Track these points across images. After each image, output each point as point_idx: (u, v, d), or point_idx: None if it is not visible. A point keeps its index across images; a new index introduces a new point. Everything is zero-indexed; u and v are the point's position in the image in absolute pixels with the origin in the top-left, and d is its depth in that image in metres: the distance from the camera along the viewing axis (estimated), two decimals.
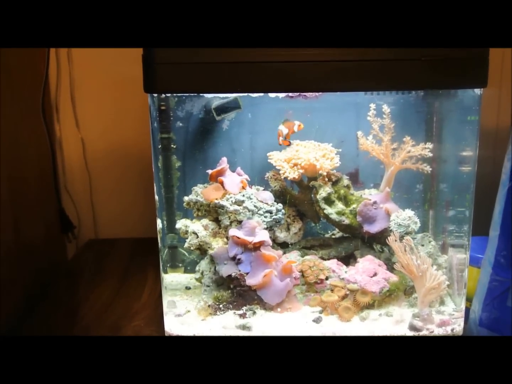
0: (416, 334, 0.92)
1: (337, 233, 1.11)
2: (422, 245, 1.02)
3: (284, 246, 1.08)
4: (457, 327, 0.93)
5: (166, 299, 0.98)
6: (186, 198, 1.04)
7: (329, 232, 1.14)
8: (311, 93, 0.93)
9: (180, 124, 1.05)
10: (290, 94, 0.93)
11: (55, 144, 1.49)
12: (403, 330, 0.92)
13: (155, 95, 0.90)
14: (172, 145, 1.04)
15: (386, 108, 1.00)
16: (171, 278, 1.11)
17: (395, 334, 0.91)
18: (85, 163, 1.52)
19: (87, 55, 1.44)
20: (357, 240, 1.06)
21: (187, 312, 0.99)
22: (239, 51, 0.80)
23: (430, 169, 1.02)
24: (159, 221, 0.97)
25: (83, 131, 1.51)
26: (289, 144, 1.03)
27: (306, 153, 1.02)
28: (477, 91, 0.86)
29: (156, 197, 0.96)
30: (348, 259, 1.06)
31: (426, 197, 1.09)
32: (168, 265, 1.12)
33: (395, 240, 0.93)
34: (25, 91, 1.30)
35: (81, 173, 1.53)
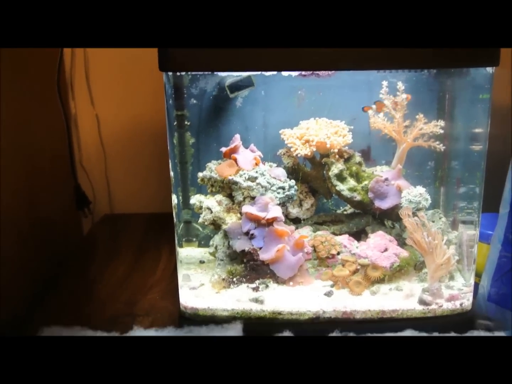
0: (425, 307, 0.94)
1: (349, 209, 1.13)
2: (433, 222, 1.03)
3: (296, 221, 1.10)
4: (465, 301, 0.95)
5: (181, 272, 1.01)
6: (200, 174, 1.06)
7: (341, 208, 1.15)
8: (323, 72, 0.94)
9: (194, 102, 1.07)
10: (303, 72, 0.93)
11: (70, 121, 1.51)
12: (412, 304, 0.94)
13: (170, 73, 0.91)
14: (186, 122, 1.05)
15: (400, 85, 1.01)
16: (186, 253, 1.13)
17: (405, 308, 0.93)
18: (100, 140, 1.55)
19: None
20: (368, 216, 1.08)
21: (201, 285, 1.02)
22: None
23: (444, 147, 1.02)
24: (174, 197, 0.99)
25: (98, 108, 1.53)
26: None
27: (318, 130, 1.03)
28: (489, 69, 0.87)
29: (172, 173, 0.98)
30: (359, 235, 1.08)
31: (437, 174, 1.10)
32: (183, 239, 1.14)
33: (408, 215, 0.95)
34: (40, 69, 1.31)
35: (96, 149, 1.55)
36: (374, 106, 1.04)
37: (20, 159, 1.15)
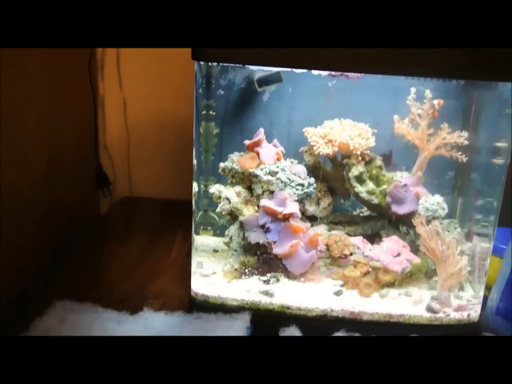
0: (432, 315, 0.94)
1: (365, 212, 1.13)
2: (448, 231, 1.04)
3: (312, 219, 1.11)
4: (473, 313, 0.96)
5: (195, 259, 1.02)
6: (222, 165, 1.07)
7: (358, 210, 1.16)
8: (353, 74, 0.95)
9: (222, 93, 1.08)
10: (333, 72, 0.94)
11: (98, 102, 1.53)
12: (420, 311, 0.95)
13: (202, 62, 0.92)
14: (212, 112, 1.07)
15: (428, 93, 1.01)
16: (201, 240, 1.14)
17: (412, 314, 0.94)
18: (125, 123, 1.57)
19: None
20: (384, 220, 1.08)
21: (213, 273, 1.03)
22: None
23: (466, 158, 1.03)
24: (195, 184, 1.01)
25: (126, 91, 1.55)
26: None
27: (341, 131, 1.04)
28: None
29: (195, 161, 0.99)
30: (373, 238, 1.08)
31: (456, 185, 1.10)
32: (201, 227, 1.16)
33: (421, 223, 0.95)
34: (71, 49, 1.33)
35: (120, 131, 1.58)
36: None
37: (46, 135, 1.17)
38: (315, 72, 0.93)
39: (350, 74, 0.95)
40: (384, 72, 0.87)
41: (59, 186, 1.24)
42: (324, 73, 0.94)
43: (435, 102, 1.02)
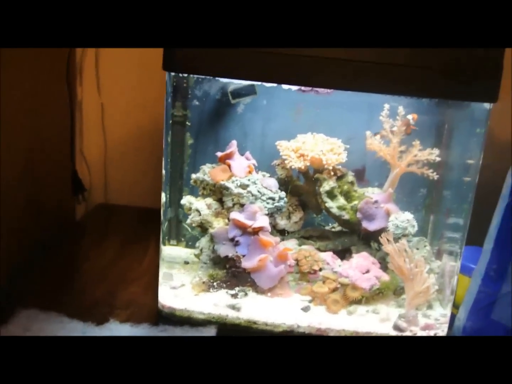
0: (399, 334, 0.94)
1: (337, 227, 1.13)
2: (417, 249, 1.04)
3: (283, 233, 1.11)
4: (440, 332, 0.96)
5: (162, 270, 1.01)
6: (193, 176, 1.07)
7: (330, 224, 1.16)
8: (323, 89, 0.95)
9: (196, 103, 1.08)
10: (303, 88, 0.94)
11: (75, 107, 1.52)
12: (387, 329, 0.95)
13: (172, 73, 0.92)
14: (183, 121, 1.06)
15: (401, 110, 1.01)
16: (172, 251, 1.14)
17: (379, 332, 0.94)
18: (102, 129, 1.55)
19: None
20: (355, 236, 1.08)
21: (182, 285, 1.03)
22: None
23: (437, 175, 1.03)
24: (163, 195, 1.00)
25: (104, 96, 1.53)
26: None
27: (314, 145, 1.04)
28: (487, 105, 0.87)
29: (163, 171, 0.99)
30: (344, 254, 1.08)
31: (426, 202, 1.10)
32: (171, 238, 1.15)
33: (388, 241, 0.95)
34: (50, 52, 1.32)
35: (97, 138, 1.56)
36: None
37: (23, 139, 1.16)
38: (285, 86, 0.93)
39: (320, 90, 0.95)
40: (356, 89, 0.86)
41: (34, 190, 1.23)
42: (295, 87, 0.94)
43: (410, 117, 1.02)
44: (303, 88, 0.94)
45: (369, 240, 1.08)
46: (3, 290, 1.06)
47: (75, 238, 1.40)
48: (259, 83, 0.96)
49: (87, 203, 1.59)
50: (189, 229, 1.14)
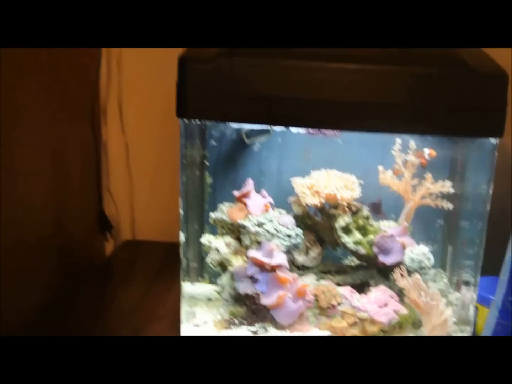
0: None
1: (355, 261, 1.15)
2: (434, 281, 1.05)
3: (302, 268, 1.13)
4: None
5: (184, 308, 1.04)
6: (212, 215, 1.10)
7: (349, 258, 1.18)
8: (329, 131, 0.98)
9: (213, 143, 1.11)
10: (311, 130, 0.97)
11: (101, 147, 1.57)
12: None
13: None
14: (201, 162, 1.09)
15: (412, 144, 1.03)
16: (196, 288, 1.16)
17: None
18: (127, 167, 1.60)
19: (137, 62, 1.52)
20: (373, 270, 1.10)
21: (204, 323, 1.05)
22: (263, 85, 0.86)
23: (452, 206, 1.04)
24: (181, 234, 1.03)
25: (128, 136, 1.58)
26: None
27: (328, 181, 1.06)
28: (493, 139, 0.89)
29: (181, 211, 1.02)
30: (362, 287, 1.09)
31: (443, 233, 1.11)
32: (196, 275, 1.18)
33: (402, 276, 0.97)
34: (75, 95, 1.38)
35: (123, 176, 1.61)
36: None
37: (50, 179, 1.21)
38: (294, 129, 0.96)
39: (328, 132, 0.97)
40: (363, 130, 0.89)
41: (63, 229, 1.28)
42: (303, 131, 0.97)
43: (426, 151, 1.04)
44: (310, 130, 0.97)
45: (387, 273, 1.09)
46: (37, 323, 1.11)
47: (103, 274, 1.44)
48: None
49: (115, 240, 1.64)
50: (213, 267, 1.17)
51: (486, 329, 0.96)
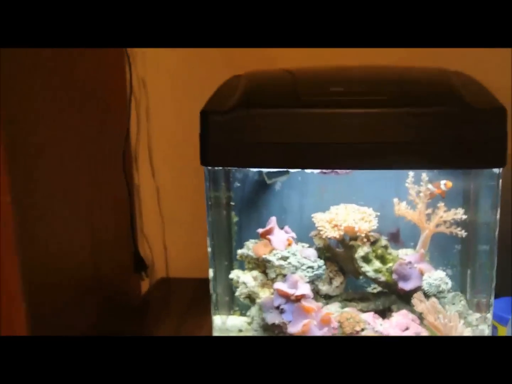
0: None
1: (377, 288, 1.20)
2: (453, 304, 1.10)
3: (327, 298, 1.19)
4: None
5: None
6: (239, 252, 1.18)
7: (372, 286, 1.24)
8: (341, 170, 1.06)
9: (237, 185, 1.20)
10: (324, 170, 1.05)
11: (133, 191, 1.67)
12: None
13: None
14: (227, 202, 1.17)
15: (424, 176, 1.10)
16: (228, 320, 1.23)
17: None
18: (159, 209, 1.70)
19: (163, 112, 1.63)
20: (393, 296, 1.15)
21: None
22: (278, 132, 0.94)
23: (466, 233, 1.10)
24: (210, 270, 1.11)
25: (158, 180, 1.69)
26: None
27: (346, 215, 1.13)
28: (496, 169, 0.95)
29: (209, 249, 1.10)
30: (385, 313, 1.15)
31: (460, 258, 1.17)
32: (227, 308, 1.25)
33: (420, 301, 1.02)
34: (108, 143, 1.48)
35: (155, 218, 1.71)
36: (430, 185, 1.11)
37: (86, 223, 1.30)
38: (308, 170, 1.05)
39: (340, 171, 1.05)
40: (372, 168, 0.97)
41: (100, 268, 1.37)
42: (316, 171, 1.06)
43: (443, 182, 1.10)
44: (323, 171, 1.05)
45: (407, 298, 1.14)
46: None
47: (139, 312, 1.53)
48: None
49: (150, 279, 1.72)
50: (241, 300, 1.24)
51: None
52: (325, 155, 0.94)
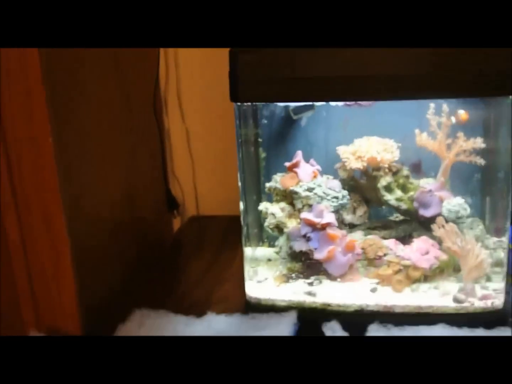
0: (458, 305, 1.06)
1: (400, 217, 1.26)
2: (471, 229, 1.15)
3: (351, 226, 1.25)
4: (497, 301, 1.06)
5: (247, 268, 1.19)
6: (267, 185, 1.24)
7: (394, 215, 1.29)
8: (364, 102, 1.10)
9: (265, 122, 1.24)
10: (348, 102, 1.10)
11: (164, 135, 1.74)
12: (448, 302, 1.07)
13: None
14: (255, 139, 1.23)
15: (445, 107, 1.14)
16: (257, 251, 1.30)
17: (440, 305, 1.06)
18: (189, 151, 1.76)
19: (192, 55, 1.67)
20: (415, 223, 1.21)
21: (265, 279, 1.19)
22: (303, 68, 0.99)
23: (484, 161, 1.14)
24: (241, 203, 1.17)
25: (187, 123, 1.74)
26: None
27: (369, 147, 1.18)
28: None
29: (240, 183, 1.16)
30: (407, 239, 1.21)
31: (479, 186, 1.21)
32: (258, 240, 1.31)
33: (439, 227, 1.08)
34: (139, 89, 1.53)
35: (185, 159, 1.77)
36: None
37: (122, 167, 1.37)
38: (332, 103, 1.09)
39: (363, 103, 1.09)
40: (395, 98, 1.01)
41: (136, 209, 1.45)
42: (340, 103, 1.10)
43: (461, 111, 1.14)
44: (348, 102, 1.10)
45: (427, 225, 1.19)
46: (120, 295, 1.27)
47: (173, 249, 1.61)
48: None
49: (181, 217, 1.80)
50: (268, 231, 1.31)
51: None
52: (349, 87, 0.98)
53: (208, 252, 1.52)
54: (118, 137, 1.35)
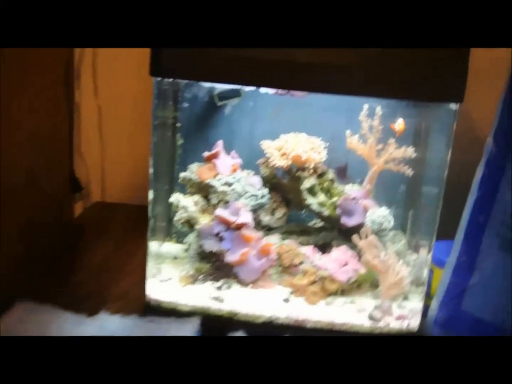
0: (374, 324, 0.99)
1: (319, 223, 1.18)
2: (393, 242, 1.09)
3: (268, 229, 1.16)
4: (412, 322, 1.00)
5: (150, 265, 1.07)
6: (181, 175, 1.12)
7: (314, 220, 1.21)
8: (297, 92, 1.00)
9: (185, 105, 1.13)
10: (279, 91, 1.00)
11: (74, 109, 1.58)
12: (362, 320, 1.00)
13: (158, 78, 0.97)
14: (173, 123, 1.11)
15: (378, 110, 1.06)
16: (163, 247, 1.19)
17: (355, 323, 0.99)
18: (99, 129, 1.61)
19: None
20: (335, 231, 1.13)
21: (169, 279, 1.08)
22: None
23: (412, 171, 1.08)
24: (150, 192, 1.05)
25: (100, 99, 1.59)
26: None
27: (296, 144, 1.09)
28: (453, 105, 0.92)
29: (151, 170, 1.04)
30: (325, 248, 1.13)
31: (405, 197, 1.15)
32: (163, 235, 1.20)
33: (362, 238, 1.01)
34: (49, 59, 1.37)
35: (95, 138, 1.62)
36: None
37: (23, 141, 1.21)
38: (263, 90, 0.98)
39: (295, 93, 1.00)
40: (325, 91, 0.92)
41: (33, 188, 1.29)
42: (272, 91, 1.00)
43: (400, 120, 1.07)
44: (279, 91, 1.00)
45: (349, 234, 1.12)
46: (2, 284, 1.12)
47: (72, 233, 1.46)
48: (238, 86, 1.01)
49: (85, 202, 1.65)
50: (178, 226, 1.19)
51: (439, 289, 1.01)
52: (281, 73, 0.88)
53: (110, 242, 1.39)
54: (19, 105, 1.19)
